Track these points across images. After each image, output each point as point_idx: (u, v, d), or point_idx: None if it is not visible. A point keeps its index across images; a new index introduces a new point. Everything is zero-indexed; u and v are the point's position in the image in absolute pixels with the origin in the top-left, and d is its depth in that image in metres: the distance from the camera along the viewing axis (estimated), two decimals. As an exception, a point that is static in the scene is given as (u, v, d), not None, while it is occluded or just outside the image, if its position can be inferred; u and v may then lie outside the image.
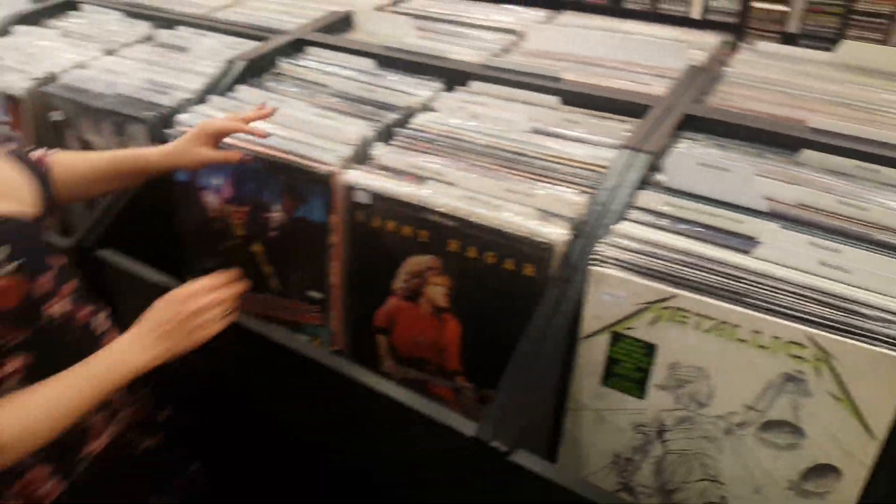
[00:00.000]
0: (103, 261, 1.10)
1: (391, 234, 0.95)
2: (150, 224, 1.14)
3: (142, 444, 0.96)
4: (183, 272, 1.14)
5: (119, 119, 1.19)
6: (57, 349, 0.82)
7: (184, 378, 0.98)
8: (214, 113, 1.13)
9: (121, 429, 0.93)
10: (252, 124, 0.99)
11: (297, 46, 1.34)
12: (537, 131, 1.04)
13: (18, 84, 1.29)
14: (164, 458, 1.00)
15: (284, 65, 1.29)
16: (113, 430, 0.92)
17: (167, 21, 1.52)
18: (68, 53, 1.40)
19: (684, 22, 2.01)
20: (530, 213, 0.89)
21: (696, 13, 2.03)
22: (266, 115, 1.00)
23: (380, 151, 1.03)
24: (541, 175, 0.95)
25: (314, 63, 1.30)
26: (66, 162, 0.96)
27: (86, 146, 1.27)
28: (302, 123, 1.08)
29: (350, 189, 0.97)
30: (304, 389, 1.00)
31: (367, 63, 1.27)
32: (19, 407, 0.74)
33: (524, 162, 0.98)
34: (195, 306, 0.84)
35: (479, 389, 0.99)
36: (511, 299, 0.89)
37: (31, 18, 1.61)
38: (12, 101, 1.29)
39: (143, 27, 1.51)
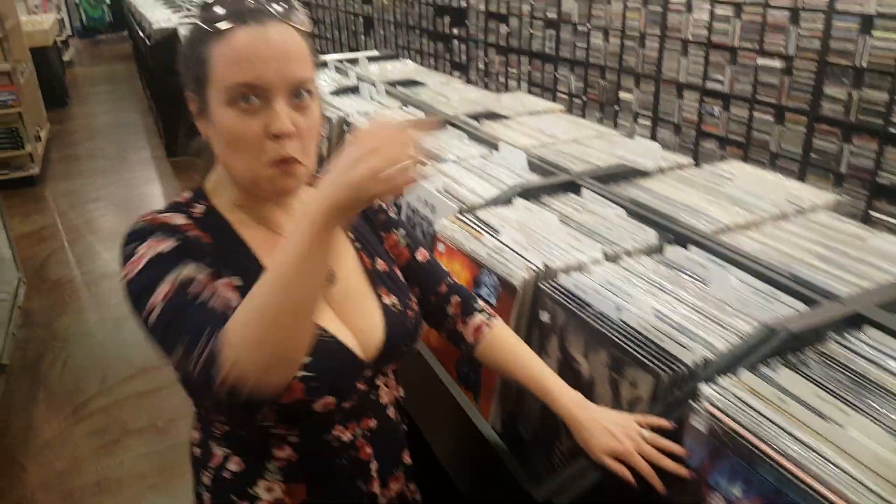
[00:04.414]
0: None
1: None
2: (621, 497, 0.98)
3: None
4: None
5: (620, 356, 1.08)
6: None
7: None
8: (743, 395, 0.94)
9: None
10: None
11: (853, 322, 1.10)
12: None
13: (517, 272, 1.29)
14: None
15: (833, 345, 1.06)
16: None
17: (676, 235, 1.42)
18: (567, 247, 1.39)
19: None
20: None
21: None
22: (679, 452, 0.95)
23: None
24: None
25: (873, 352, 1.03)
26: (497, 344, 1.14)
27: (565, 360, 1.20)
28: (861, 449, 0.82)
29: None
30: None
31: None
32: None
33: None
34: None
35: None
36: None
37: (532, 193, 1.69)
38: (507, 288, 1.30)
39: (649, 235, 1.44)
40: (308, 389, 0.88)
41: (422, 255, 1.18)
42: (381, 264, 1.08)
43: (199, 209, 0.94)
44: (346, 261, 1.04)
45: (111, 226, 5.07)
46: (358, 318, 0.99)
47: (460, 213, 1.63)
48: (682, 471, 0.92)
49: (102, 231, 4.98)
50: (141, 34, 7.24)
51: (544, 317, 1.25)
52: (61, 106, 8.76)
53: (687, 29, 4.83)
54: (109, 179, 6.07)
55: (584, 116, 4.41)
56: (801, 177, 4.32)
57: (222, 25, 0.84)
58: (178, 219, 0.90)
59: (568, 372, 1.19)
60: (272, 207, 0.97)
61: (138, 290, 0.82)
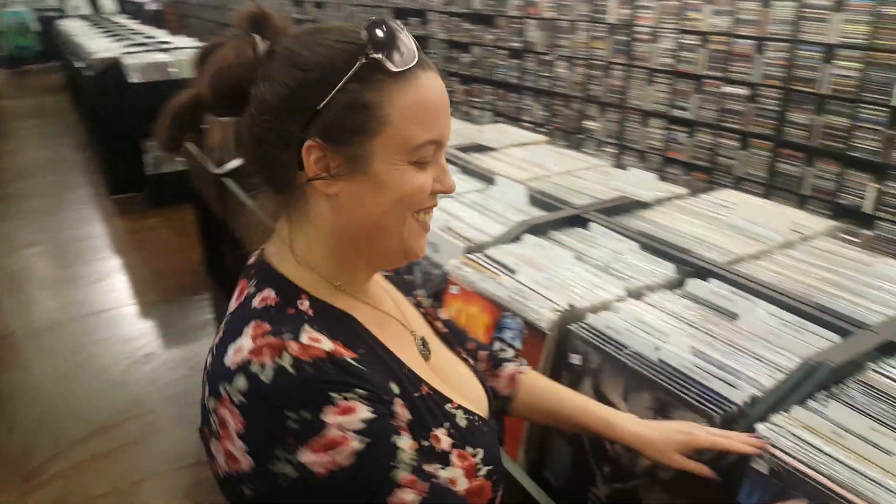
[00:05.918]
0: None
1: None
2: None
3: None
4: None
5: (664, 397, 1.11)
6: None
7: None
8: (799, 432, 0.97)
9: None
10: (743, 444, 0.97)
11: (887, 350, 1.15)
12: None
13: (545, 314, 1.31)
14: None
15: (871, 374, 1.11)
16: None
17: (695, 268, 1.47)
18: (588, 285, 1.42)
19: None
20: None
21: None
22: (755, 451, 0.97)
23: None
24: None
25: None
26: (535, 389, 1.10)
27: (602, 401, 1.21)
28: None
29: None
30: None
31: None
32: None
33: None
34: None
35: None
36: None
37: (540, 228, 1.72)
38: (534, 332, 1.32)
39: (665, 268, 1.48)
40: (494, 485, 0.84)
41: (444, 314, 1.11)
42: (439, 326, 1.04)
43: (305, 306, 0.78)
44: (425, 329, 0.99)
45: (52, 272, 4.90)
46: (463, 386, 0.94)
47: (469, 252, 1.65)
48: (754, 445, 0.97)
49: (43, 278, 4.81)
50: (78, 65, 7.11)
51: (575, 359, 1.27)
52: (-12, 142, 8.51)
53: (653, 58, 5.01)
54: (47, 221, 5.88)
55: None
56: (765, 198, 4.49)
57: (403, 67, 0.72)
58: (324, 341, 0.72)
59: (605, 414, 1.21)
60: (365, 280, 0.88)
61: (367, 481, 0.68)
